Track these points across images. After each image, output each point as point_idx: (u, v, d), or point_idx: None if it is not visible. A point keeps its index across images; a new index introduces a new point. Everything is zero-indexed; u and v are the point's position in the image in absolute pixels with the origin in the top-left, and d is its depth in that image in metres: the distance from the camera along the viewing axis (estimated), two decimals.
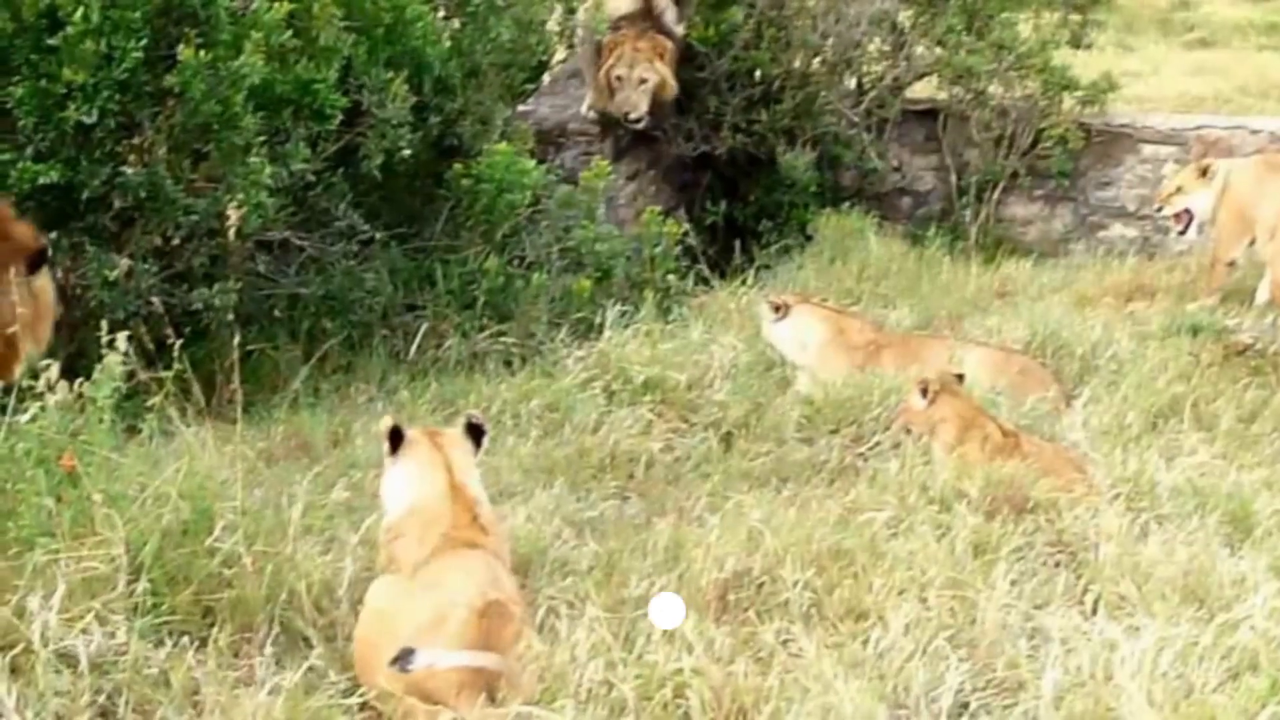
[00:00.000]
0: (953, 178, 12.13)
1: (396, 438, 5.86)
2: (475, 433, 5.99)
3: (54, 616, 5.06)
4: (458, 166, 9.15)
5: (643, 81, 11.45)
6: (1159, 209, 10.64)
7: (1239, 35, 18.27)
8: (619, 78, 11.47)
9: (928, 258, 11.29)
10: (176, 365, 6.00)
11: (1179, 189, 10.46)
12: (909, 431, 7.45)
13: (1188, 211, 10.38)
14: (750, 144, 11.83)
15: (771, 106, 11.89)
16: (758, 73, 12.05)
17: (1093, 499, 6.75)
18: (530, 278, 9.22)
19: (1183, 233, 10.50)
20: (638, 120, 11.52)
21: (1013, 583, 6.01)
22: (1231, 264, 10.14)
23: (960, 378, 7.63)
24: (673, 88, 11.63)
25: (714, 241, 11.15)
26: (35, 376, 5.60)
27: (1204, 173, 10.30)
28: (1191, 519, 6.69)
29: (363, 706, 5.15)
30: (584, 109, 11.75)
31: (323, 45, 7.98)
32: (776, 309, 8.88)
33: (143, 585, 5.30)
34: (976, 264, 11.19)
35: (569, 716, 4.99)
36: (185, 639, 5.30)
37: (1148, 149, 12.11)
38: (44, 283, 6.65)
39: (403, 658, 4.98)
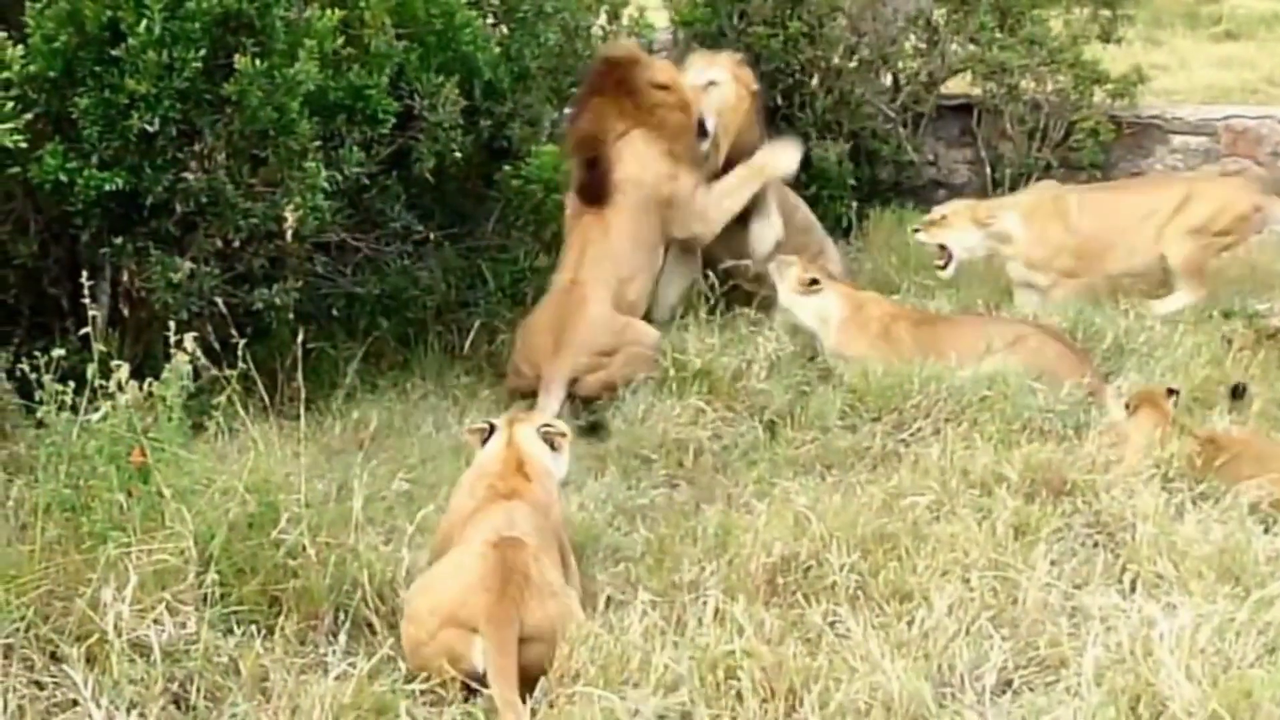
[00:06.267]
0: (987, 170, 12.13)
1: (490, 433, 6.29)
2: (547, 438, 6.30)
3: (127, 607, 5.18)
4: (507, 168, 9.21)
5: None
6: (915, 230, 10.24)
7: (1265, 27, 18.11)
8: None
9: None
10: (240, 364, 6.10)
11: (944, 219, 10.05)
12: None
13: (946, 248, 9.99)
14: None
15: (809, 102, 11.97)
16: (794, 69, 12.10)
17: None
18: None
19: (943, 268, 10.03)
20: None
21: (1053, 563, 6.11)
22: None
23: (1172, 392, 7.53)
24: None
25: None
26: (107, 376, 5.74)
27: (981, 219, 9.93)
28: (1226, 498, 6.74)
29: (424, 692, 5.26)
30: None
31: (375, 52, 8.06)
32: (810, 283, 9.02)
33: (211, 576, 5.42)
34: None
35: (625, 697, 5.08)
36: (253, 628, 5.44)
37: (1177, 139, 12.08)
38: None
39: None
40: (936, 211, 10.25)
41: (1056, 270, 9.90)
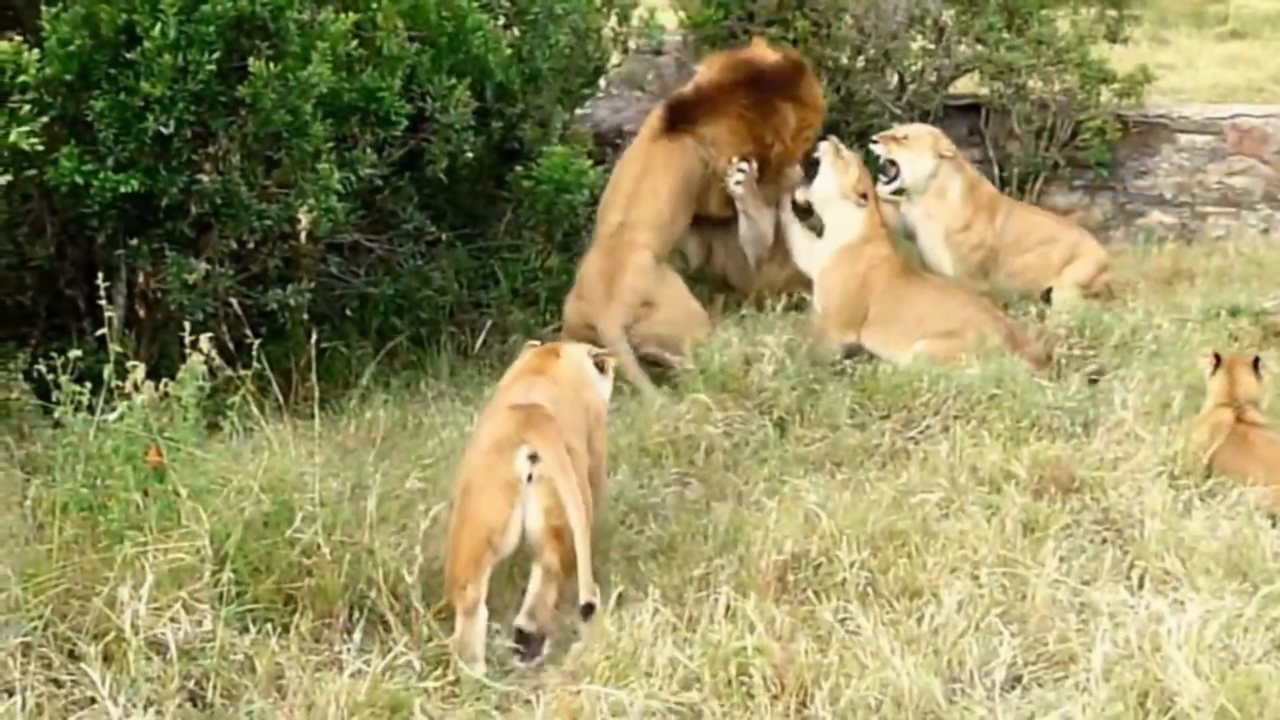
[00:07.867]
0: (995, 170, 12.08)
1: None
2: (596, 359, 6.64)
3: (143, 606, 5.22)
4: (519, 169, 9.22)
5: None
6: (874, 141, 10.26)
7: (1270, 26, 18.12)
8: None
9: None
10: (255, 364, 6.16)
11: (906, 139, 10.11)
12: None
13: (895, 165, 10.03)
14: None
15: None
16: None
17: None
18: None
19: (889, 182, 10.02)
20: None
21: (1061, 560, 6.13)
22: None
23: (1256, 362, 7.48)
24: None
25: None
26: (123, 377, 5.79)
27: (941, 150, 10.06)
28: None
29: (438, 689, 5.32)
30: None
31: (387, 54, 8.08)
32: (861, 196, 9.20)
33: (227, 575, 5.46)
34: None
35: (637, 693, 5.11)
36: (269, 626, 5.46)
37: (1184, 138, 12.05)
38: None
39: None
40: (900, 129, 10.41)
41: (965, 260, 10.06)
